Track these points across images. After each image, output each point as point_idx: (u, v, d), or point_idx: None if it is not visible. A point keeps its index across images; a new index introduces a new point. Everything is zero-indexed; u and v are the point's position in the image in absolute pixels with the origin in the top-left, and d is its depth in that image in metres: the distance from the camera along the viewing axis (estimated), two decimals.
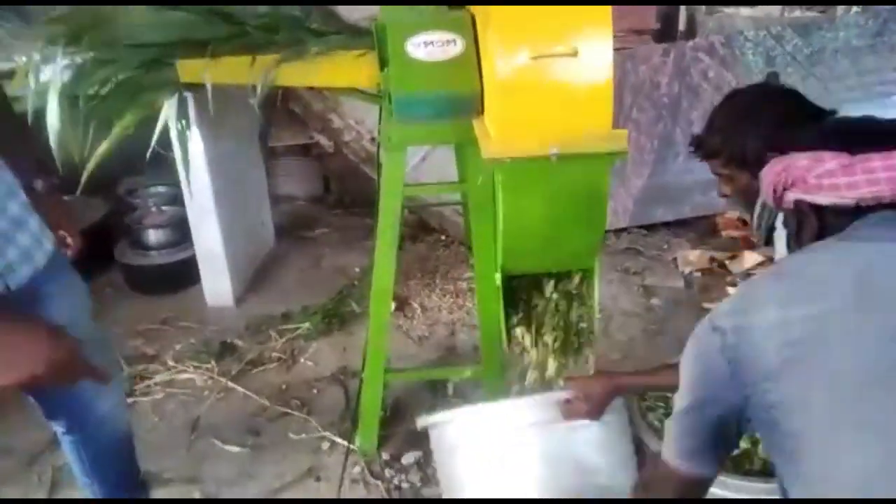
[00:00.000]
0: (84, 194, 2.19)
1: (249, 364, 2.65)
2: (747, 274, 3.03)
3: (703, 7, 3.88)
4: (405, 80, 1.71)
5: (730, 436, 1.01)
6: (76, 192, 2.16)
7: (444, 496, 1.70)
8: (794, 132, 1.11)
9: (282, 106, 3.60)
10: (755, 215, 1.32)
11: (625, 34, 3.49)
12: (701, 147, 1.43)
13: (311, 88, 3.19)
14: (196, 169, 2.66)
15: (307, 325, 2.84)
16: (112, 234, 3.29)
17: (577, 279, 1.69)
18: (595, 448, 1.55)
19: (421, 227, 3.60)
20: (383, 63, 1.76)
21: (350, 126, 3.55)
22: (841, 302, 0.89)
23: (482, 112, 1.62)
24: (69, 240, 1.72)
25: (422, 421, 1.63)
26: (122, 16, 2.08)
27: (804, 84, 3.27)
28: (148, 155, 2.34)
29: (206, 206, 2.84)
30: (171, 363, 2.65)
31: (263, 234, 3.47)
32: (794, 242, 1.02)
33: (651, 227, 3.51)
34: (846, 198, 0.93)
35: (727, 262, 3.15)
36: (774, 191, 1.01)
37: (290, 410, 2.41)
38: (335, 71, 1.97)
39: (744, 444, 1.62)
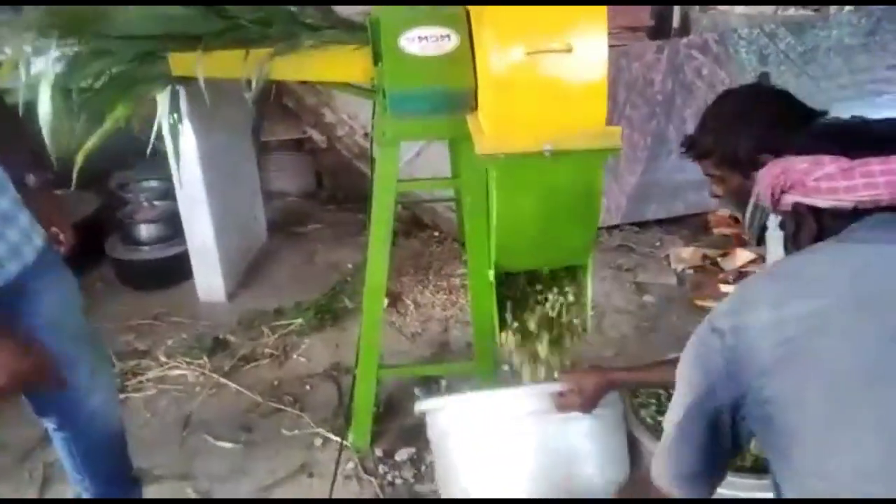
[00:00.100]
0: (76, 188, 2.18)
1: (242, 360, 2.64)
2: (739, 271, 3.04)
3: (697, 5, 3.89)
4: (399, 74, 1.71)
5: (723, 453, 1.00)
6: (69, 187, 2.14)
7: (439, 481, 1.73)
8: (785, 133, 1.12)
9: (274, 100, 3.59)
10: (747, 215, 1.33)
11: (619, 31, 3.50)
12: (693, 148, 1.44)
13: (305, 83, 3.17)
14: (188, 162, 2.65)
15: (300, 320, 2.84)
16: (103, 229, 3.28)
17: (570, 276, 1.69)
18: (586, 439, 1.59)
19: (414, 223, 3.60)
20: (377, 58, 1.75)
21: (343, 121, 3.53)
22: (837, 301, 0.89)
23: (476, 108, 1.62)
24: (62, 236, 1.71)
25: (418, 405, 1.69)
26: (115, 9, 2.07)
27: (797, 82, 3.29)
28: (149, 150, 2.33)
29: (198, 200, 2.82)
30: (162, 359, 2.64)
31: (256, 228, 3.46)
32: (792, 245, 1.02)
33: (644, 224, 3.52)
34: (844, 201, 0.94)
35: (719, 259, 3.16)
36: (772, 193, 1.02)
37: (282, 406, 2.40)
38: (329, 65, 1.96)
39: None
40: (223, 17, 2.05)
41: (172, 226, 3.08)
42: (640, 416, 1.76)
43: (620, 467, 1.66)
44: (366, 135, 3.41)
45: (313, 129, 3.78)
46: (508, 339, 1.66)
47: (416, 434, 2.17)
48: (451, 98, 1.68)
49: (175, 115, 2.42)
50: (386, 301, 2.50)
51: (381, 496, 2.04)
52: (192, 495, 2.08)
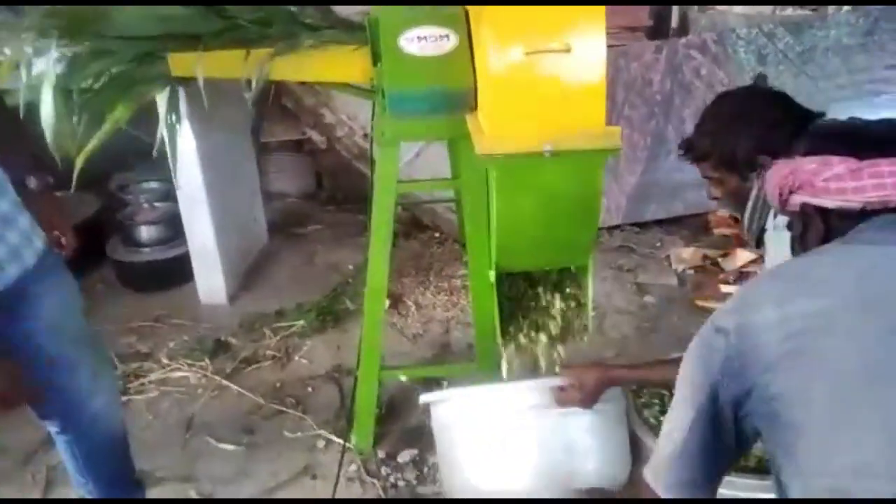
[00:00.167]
0: (76, 190, 2.17)
1: (243, 362, 2.64)
2: (740, 271, 3.04)
3: (696, 5, 3.89)
4: (398, 75, 1.71)
5: (726, 455, 1.00)
6: (70, 189, 2.14)
7: (442, 472, 1.74)
8: (783, 135, 1.12)
9: (274, 101, 3.59)
10: (746, 217, 1.33)
11: (618, 31, 3.50)
12: (690, 150, 1.44)
13: (304, 83, 3.18)
14: (188, 163, 2.65)
15: (301, 322, 2.84)
16: (104, 231, 3.28)
17: (571, 276, 1.69)
18: (587, 434, 1.60)
19: (414, 224, 3.60)
20: (376, 58, 1.75)
21: (343, 121, 3.53)
22: (843, 300, 0.90)
23: (476, 108, 1.62)
24: (63, 239, 1.70)
25: (423, 397, 1.72)
26: (115, 9, 2.07)
27: (795, 82, 3.29)
28: (154, 151, 2.33)
29: (198, 201, 2.82)
30: (164, 361, 2.64)
31: (256, 230, 3.46)
32: (799, 245, 1.03)
33: (644, 225, 3.52)
34: (853, 201, 0.95)
35: (720, 259, 3.16)
36: (780, 193, 1.02)
37: (284, 408, 2.40)
38: (328, 65, 1.96)
39: None
40: (223, 17, 2.05)
41: (173, 227, 3.08)
42: (643, 417, 1.77)
43: (621, 463, 1.67)
44: (365, 135, 3.41)
45: (313, 129, 3.78)
46: (509, 341, 1.67)
47: (419, 436, 2.17)
48: (450, 98, 1.68)
49: (173, 116, 2.42)
50: (387, 302, 2.50)
51: (385, 498, 2.04)
52: (195, 497, 2.07)
